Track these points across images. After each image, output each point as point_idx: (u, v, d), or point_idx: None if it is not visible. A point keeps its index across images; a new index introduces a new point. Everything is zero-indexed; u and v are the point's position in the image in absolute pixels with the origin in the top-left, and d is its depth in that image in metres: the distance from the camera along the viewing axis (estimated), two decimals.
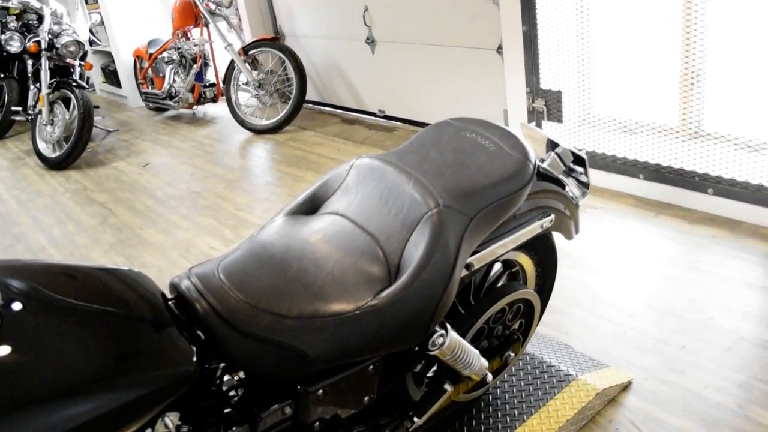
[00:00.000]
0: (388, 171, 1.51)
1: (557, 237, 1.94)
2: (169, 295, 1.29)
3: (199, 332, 1.23)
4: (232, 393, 1.29)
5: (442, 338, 1.46)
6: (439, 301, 1.35)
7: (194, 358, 1.14)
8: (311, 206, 1.59)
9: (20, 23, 6.43)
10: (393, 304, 1.30)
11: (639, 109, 3.35)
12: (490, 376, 1.67)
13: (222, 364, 1.24)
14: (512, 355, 1.87)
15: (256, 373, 1.22)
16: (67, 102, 5.34)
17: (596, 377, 2.12)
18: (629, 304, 2.50)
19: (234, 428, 1.24)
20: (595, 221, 3.15)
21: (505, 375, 2.14)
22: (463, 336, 1.64)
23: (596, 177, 3.45)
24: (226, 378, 1.26)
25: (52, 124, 5.33)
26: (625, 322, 2.40)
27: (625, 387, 2.11)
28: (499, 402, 2.05)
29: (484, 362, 1.62)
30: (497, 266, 1.90)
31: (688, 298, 2.49)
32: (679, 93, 3.14)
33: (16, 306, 1.03)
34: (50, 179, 5.07)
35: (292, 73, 5.22)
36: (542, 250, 1.94)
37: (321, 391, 1.31)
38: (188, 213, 4.00)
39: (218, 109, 6.36)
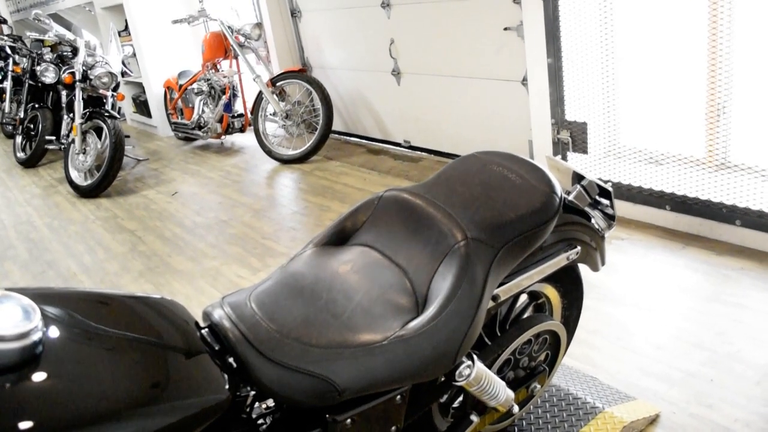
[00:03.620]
0: (416, 203, 1.54)
1: (583, 268, 1.95)
2: (201, 324, 1.33)
3: (230, 360, 1.25)
4: (261, 421, 1.31)
5: (468, 369, 1.47)
6: (467, 333, 1.36)
7: (226, 386, 1.17)
8: (340, 237, 1.62)
9: (55, 55, 6.63)
10: (421, 334, 1.32)
11: (665, 141, 3.36)
12: (516, 408, 1.68)
13: (252, 392, 1.26)
14: (538, 386, 1.87)
15: (286, 402, 1.25)
16: (99, 131, 5.45)
17: (623, 410, 2.10)
18: (656, 337, 2.48)
19: None
20: (622, 252, 3.14)
21: (531, 407, 2.13)
22: (489, 367, 1.65)
23: (622, 208, 3.44)
24: (256, 406, 1.28)
25: (84, 153, 5.45)
26: (653, 355, 2.38)
27: (653, 420, 2.09)
28: None
29: (511, 393, 1.63)
30: (523, 297, 1.91)
31: (716, 330, 2.46)
32: (705, 124, 3.14)
33: (55, 333, 1.06)
34: (81, 207, 5.17)
35: (318, 104, 5.30)
36: (568, 282, 1.95)
37: (349, 420, 1.32)
38: (216, 241, 4.06)
39: (246, 139, 6.46)
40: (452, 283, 1.37)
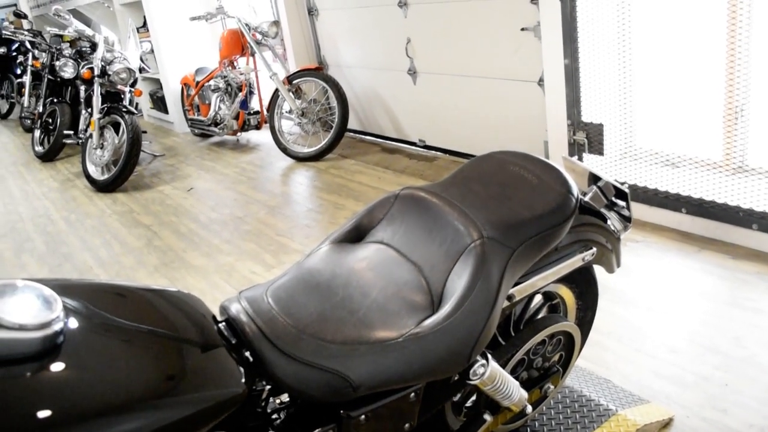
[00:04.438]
0: (432, 202, 1.55)
1: (598, 270, 1.95)
2: (219, 318, 1.34)
3: (247, 354, 1.26)
4: (275, 415, 1.32)
5: (483, 368, 1.48)
6: (482, 331, 1.37)
7: (243, 380, 1.18)
8: (356, 235, 1.63)
9: (74, 50, 6.68)
10: (436, 332, 1.33)
11: (681, 143, 3.34)
12: (529, 408, 1.68)
13: (268, 387, 1.27)
14: (552, 387, 1.88)
15: (301, 397, 1.26)
16: (116, 127, 5.50)
17: (637, 413, 2.10)
18: (671, 340, 2.47)
19: None
20: (637, 255, 3.13)
21: (544, 408, 2.13)
22: (503, 366, 1.65)
23: (638, 210, 3.43)
24: (270, 400, 1.29)
25: (101, 148, 5.50)
26: (667, 358, 2.38)
27: (666, 424, 2.08)
28: None
29: (524, 393, 1.63)
30: (538, 298, 1.91)
31: (731, 334, 2.45)
32: (723, 127, 3.13)
33: (75, 324, 1.08)
34: (98, 201, 5.22)
35: (334, 102, 5.32)
36: (583, 283, 1.95)
37: (363, 416, 1.33)
38: (230, 237, 4.08)
39: (261, 137, 6.49)
40: (468, 281, 1.38)
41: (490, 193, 1.57)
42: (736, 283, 2.79)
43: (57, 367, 0.99)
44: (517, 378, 1.79)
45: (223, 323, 1.32)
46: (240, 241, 4.00)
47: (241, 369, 1.20)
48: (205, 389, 1.11)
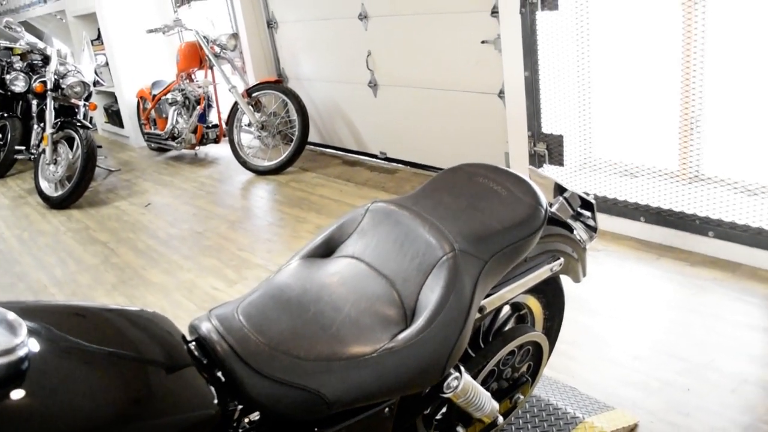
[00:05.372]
0: (403, 215, 1.55)
1: (563, 279, 1.97)
2: (188, 337, 1.31)
3: (219, 374, 1.24)
4: None
5: (456, 381, 1.47)
6: (455, 344, 1.37)
7: (215, 401, 1.15)
8: (326, 249, 1.62)
9: (25, 63, 6.52)
10: (410, 346, 1.32)
11: (639, 153, 3.41)
12: (500, 419, 1.68)
13: (240, 406, 1.25)
14: (521, 397, 1.88)
15: (275, 415, 1.23)
16: (70, 141, 5.37)
17: (603, 420, 2.12)
18: (634, 347, 2.51)
19: None
20: (598, 264, 3.17)
21: (512, 418, 2.14)
22: (474, 378, 1.65)
23: (598, 220, 3.47)
24: (244, 420, 1.26)
25: (55, 164, 5.36)
26: (630, 365, 2.41)
27: (632, 429, 2.11)
28: None
29: (495, 405, 1.64)
30: (506, 308, 1.92)
31: (691, 340, 2.50)
32: (679, 137, 3.20)
33: (40, 348, 1.03)
34: (52, 218, 5.09)
35: (294, 115, 5.30)
36: (550, 293, 1.96)
37: None
38: (191, 253, 4.02)
39: (220, 150, 6.41)
40: (441, 295, 1.37)
41: (460, 206, 1.57)
42: (694, 289, 2.85)
43: (22, 394, 0.95)
44: (487, 389, 1.79)
45: (193, 343, 1.29)
46: (200, 257, 3.94)
47: (213, 389, 1.18)
48: (175, 412, 1.08)
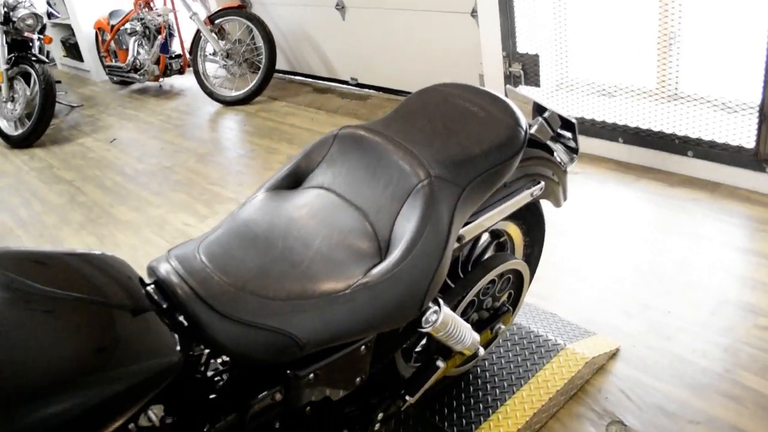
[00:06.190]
0: (374, 141, 1.44)
1: (543, 204, 1.90)
2: (147, 280, 1.22)
3: (180, 318, 1.15)
4: (218, 378, 1.22)
5: (435, 315, 1.41)
6: (433, 277, 1.29)
7: (177, 347, 1.07)
8: (294, 180, 1.51)
9: None
10: (385, 281, 1.24)
11: (617, 72, 3.31)
12: (481, 350, 1.63)
13: (206, 351, 1.17)
14: (502, 327, 1.84)
15: (244, 359, 1.16)
16: (27, 77, 5.14)
17: (584, 346, 2.09)
18: (614, 270, 2.47)
19: (221, 417, 1.18)
20: (576, 187, 3.11)
21: (493, 347, 2.10)
22: (453, 310, 1.59)
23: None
24: (211, 362, 1.19)
25: (12, 101, 5.16)
26: (611, 288, 2.38)
27: (613, 354, 2.09)
28: (488, 374, 2.02)
29: (476, 336, 1.58)
30: (485, 236, 1.85)
31: (671, 261, 2.47)
32: (657, 54, 3.10)
33: None
34: (14, 158, 4.90)
35: (260, 42, 5.09)
36: (530, 219, 1.89)
37: (312, 375, 1.25)
38: (160, 189, 3.89)
39: (185, 81, 6.20)
40: (417, 224, 1.29)
41: (435, 129, 1.47)
42: (673, 210, 2.81)
43: None
44: (467, 320, 1.74)
45: (152, 286, 1.20)
46: (170, 193, 3.81)
47: (175, 335, 1.10)
48: (136, 361, 1.00)
